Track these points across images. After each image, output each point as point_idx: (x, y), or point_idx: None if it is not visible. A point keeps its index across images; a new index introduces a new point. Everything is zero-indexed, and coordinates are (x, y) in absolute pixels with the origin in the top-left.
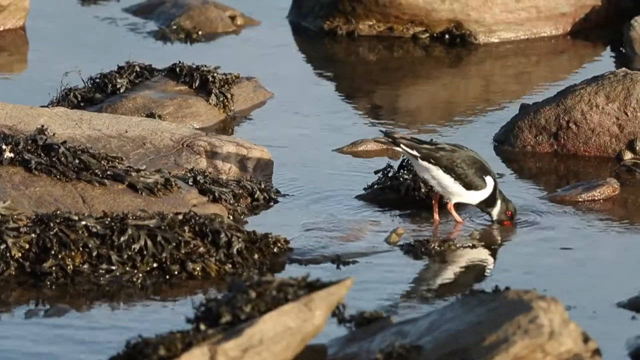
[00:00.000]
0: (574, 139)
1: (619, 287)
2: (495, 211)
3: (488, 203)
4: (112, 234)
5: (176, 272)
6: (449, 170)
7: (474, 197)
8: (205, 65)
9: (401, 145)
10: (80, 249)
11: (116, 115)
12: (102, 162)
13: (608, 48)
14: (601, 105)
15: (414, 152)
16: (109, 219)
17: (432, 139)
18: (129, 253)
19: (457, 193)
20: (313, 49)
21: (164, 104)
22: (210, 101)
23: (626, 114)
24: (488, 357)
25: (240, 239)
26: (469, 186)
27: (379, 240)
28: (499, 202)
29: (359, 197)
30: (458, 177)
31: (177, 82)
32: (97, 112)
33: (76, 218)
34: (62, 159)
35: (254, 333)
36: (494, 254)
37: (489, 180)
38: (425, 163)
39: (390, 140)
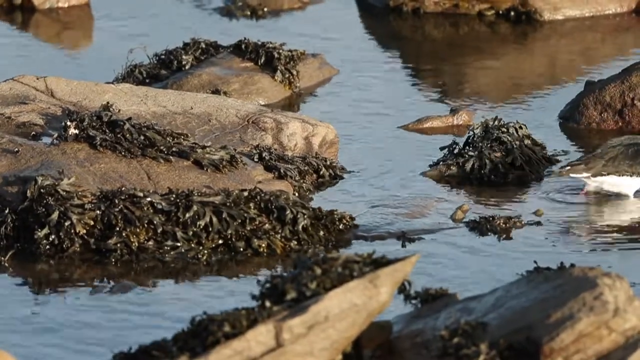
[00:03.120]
0: (639, 116)
1: None
2: None
3: None
4: (177, 210)
5: (241, 249)
6: (621, 172)
7: None
8: (271, 42)
9: (570, 174)
10: (145, 225)
11: (181, 91)
12: (168, 138)
13: None
14: None
15: (585, 174)
16: (174, 196)
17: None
18: (194, 230)
19: None
20: (378, 25)
21: (230, 81)
22: (276, 78)
23: None
24: (553, 334)
25: (305, 216)
26: None
27: (444, 217)
28: None
29: (424, 174)
30: (634, 173)
31: (243, 59)
32: (162, 89)
33: (141, 195)
34: (127, 135)
35: (319, 310)
36: (559, 230)
37: None
38: (599, 178)
39: (557, 173)
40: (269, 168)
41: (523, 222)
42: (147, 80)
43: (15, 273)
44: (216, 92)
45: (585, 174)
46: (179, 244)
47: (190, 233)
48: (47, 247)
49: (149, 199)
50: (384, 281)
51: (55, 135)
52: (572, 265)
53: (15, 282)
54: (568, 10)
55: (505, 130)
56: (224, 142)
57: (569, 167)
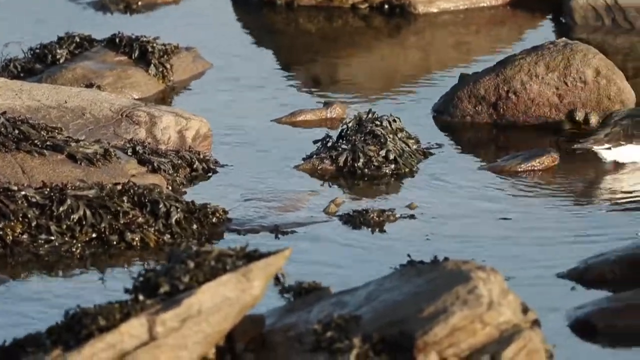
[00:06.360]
0: (514, 109)
1: (558, 257)
2: None
3: None
4: (51, 204)
5: (115, 243)
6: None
7: None
8: (145, 36)
9: (593, 149)
10: (20, 219)
11: (56, 85)
12: (42, 132)
13: (548, 18)
14: (541, 75)
15: (605, 146)
16: (48, 189)
17: None
18: (68, 223)
19: None
20: (252, 19)
21: (104, 75)
22: (150, 72)
23: (566, 83)
24: (427, 328)
25: (178, 209)
26: None
27: (317, 210)
28: None
29: (297, 168)
30: None
31: (117, 53)
32: (36, 83)
33: (15, 188)
34: (2, 129)
35: (192, 303)
36: (432, 224)
37: None
38: (620, 149)
39: (579, 149)
40: (142, 162)
41: (397, 216)
42: (22, 75)
43: None
44: (90, 86)
45: (606, 146)
46: (52, 238)
47: (64, 227)
48: None
49: (23, 192)
50: (257, 275)
51: None
52: (446, 259)
53: None
54: (442, 3)
55: (378, 123)
56: (98, 136)
57: (592, 141)
